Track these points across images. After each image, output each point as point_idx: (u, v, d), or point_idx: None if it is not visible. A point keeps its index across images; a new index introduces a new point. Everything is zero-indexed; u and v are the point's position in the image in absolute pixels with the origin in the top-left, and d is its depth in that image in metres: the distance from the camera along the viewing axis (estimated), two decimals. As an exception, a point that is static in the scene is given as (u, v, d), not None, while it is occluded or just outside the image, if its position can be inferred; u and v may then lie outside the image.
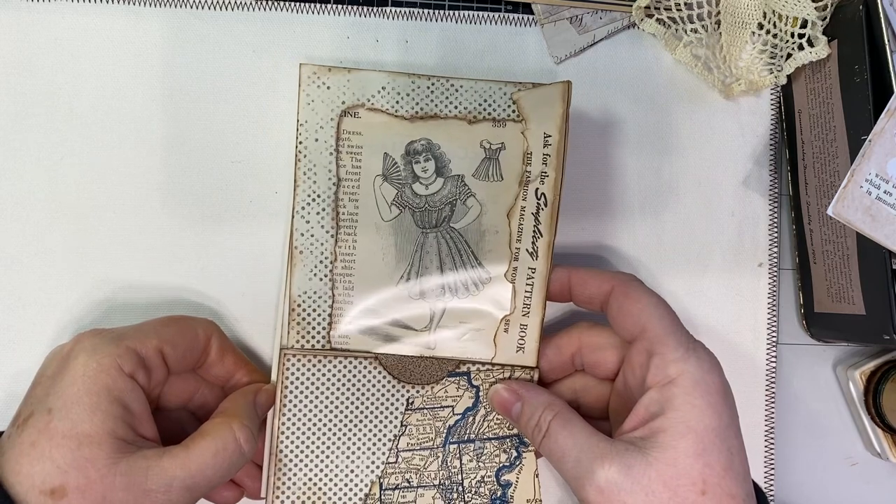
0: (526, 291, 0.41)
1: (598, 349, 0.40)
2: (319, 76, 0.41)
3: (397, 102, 0.41)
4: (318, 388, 0.41)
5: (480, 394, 0.42)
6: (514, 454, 0.42)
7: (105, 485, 0.33)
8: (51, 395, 0.35)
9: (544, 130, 0.41)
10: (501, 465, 0.42)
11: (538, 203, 0.41)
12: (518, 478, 0.42)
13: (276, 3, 0.45)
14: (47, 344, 0.44)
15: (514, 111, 0.41)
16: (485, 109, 0.41)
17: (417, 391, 0.42)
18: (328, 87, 0.41)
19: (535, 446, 0.40)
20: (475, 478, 0.42)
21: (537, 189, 0.41)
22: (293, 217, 0.41)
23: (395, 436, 0.42)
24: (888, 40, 0.39)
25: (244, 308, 0.45)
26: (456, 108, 0.42)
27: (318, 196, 0.41)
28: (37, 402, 0.35)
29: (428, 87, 0.42)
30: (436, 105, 0.42)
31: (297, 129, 0.41)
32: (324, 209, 0.41)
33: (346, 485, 0.41)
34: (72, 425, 0.34)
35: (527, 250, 0.41)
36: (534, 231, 0.41)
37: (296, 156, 0.41)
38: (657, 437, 0.35)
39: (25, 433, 0.34)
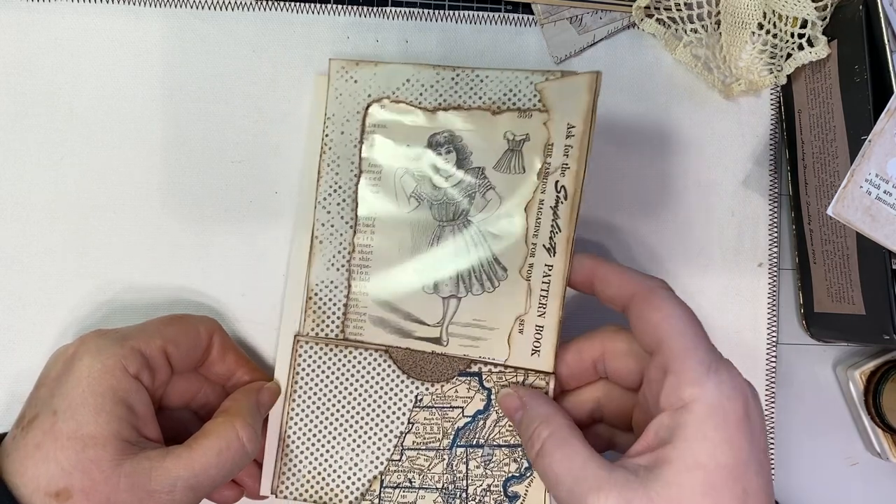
0: (542, 290, 0.39)
1: (621, 356, 0.37)
2: (348, 70, 0.42)
3: (421, 94, 0.41)
4: (328, 377, 0.41)
5: (492, 397, 0.40)
6: (525, 464, 0.40)
7: (109, 486, 0.33)
8: (56, 397, 0.35)
9: (568, 121, 0.40)
10: (510, 475, 0.40)
11: (557, 196, 0.39)
12: (527, 491, 0.40)
13: (275, 3, 0.45)
14: (48, 345, 0.44)
15: (539, 101, 0.40)
16: (509, 100, 0.41)
17: (427, 388, 0.41)
18: (355, 81, 0.42)
19: (531, 461, 0.36)
20: (481, 485, 0.40)
21: (557, 181, 0.40)
22: (315, 207, 0.41)
23: (401, 432, 0.41)
24: (888, 40, 0.39)
25: (244, 308, 0.45)
26: (480, 98, 0.41)
27: (340, 187, 0.42)
28: (41, 404, 0.35)
29: (452, 79, 0.41)
30: (459, 96, 0.41)
31: (325, 122, 0.42)
32: (344, 200, 0.41)
33: (348, 477, 0.41)
34: (77, 427, 0.34)
35: (544, 246, 0.40)
36: (552, 226, 0.39)
37: (321, 147, 0.42)
38: (662, 470, 0.31)
39: (30, 435, 0.34)
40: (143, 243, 0.44)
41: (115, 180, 0.44)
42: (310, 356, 0.41)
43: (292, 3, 0.45)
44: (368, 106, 0.41)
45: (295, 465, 0.41)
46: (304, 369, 0.41)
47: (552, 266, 0.39)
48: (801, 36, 0.44)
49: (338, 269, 0.41)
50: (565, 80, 0.40)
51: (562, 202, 0.39)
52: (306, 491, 0.41)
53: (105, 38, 0.44)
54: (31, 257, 0.44)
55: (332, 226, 0.41)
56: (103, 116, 0.44)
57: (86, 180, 0.44)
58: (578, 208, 0.39)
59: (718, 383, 0.32)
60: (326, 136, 0.42)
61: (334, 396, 0.41)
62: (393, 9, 0.46)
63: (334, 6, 0.45)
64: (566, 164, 0.40)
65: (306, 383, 0.41)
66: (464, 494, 0.40)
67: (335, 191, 0.42)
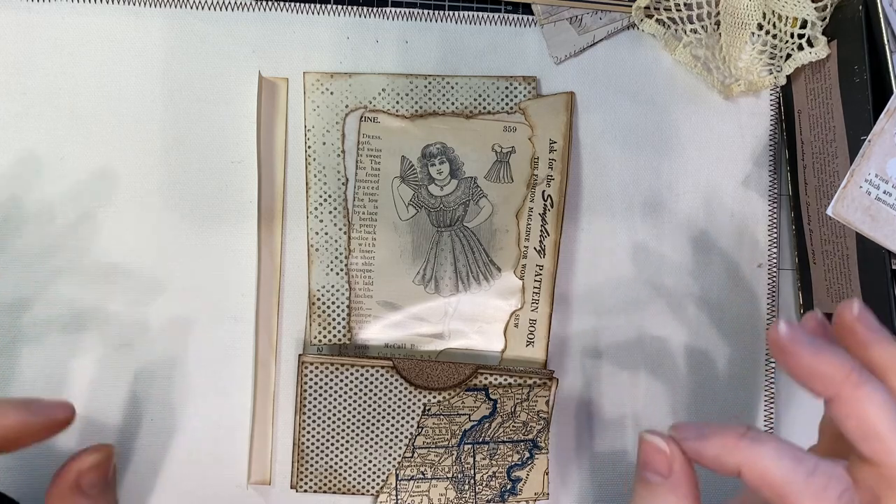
0: (534, 287, 0.44)
1: None
2: (323, 83, 0.44)
3: (397, 103, 0.44)
4: (335, 394, 0.43)
5: (498, 406, 0.43)
6: (527, 455, 0.44)
7: None
8: None
9: (550, 137, 0.44)
10: (513, 463, 0.44)
11: (545, 204, 0.44)
12: (528, 475, 0.44)
13: (276, 3, 0.45)
14: (48, 345, 0.44)
15: (507, 104, 0.44)
16: (480, 104, 0.44)
17: (434, 398, 0.43)
18: (332, 93, 0.44)
19: None
20: (487, 473, 0.44)
21: (544, 191, 0.44)
22: (308, 217, 0.43)
23: (411, 434, 0.43)
24: (888, 40, 0.39)
25: (244, 308, 0.44)
26: (452, 104, 0.44)
27: (329, 196, 0.44)
28: None
29: (425, 87, 0.44)
30: (434, 103, 0.44)
31: (305, 135, 0.44)
32: (335, 208, 0.44)
33: (364, 472, 0.43)
34: None
35: (535, 248, 0.44)
36: (541, 230, 0.44)
37: (305, 160, 0.44)
38: None
39: None
40: (143, 243, 0.44)
41: (115, 180, 0.44)
42: (315, 376, 0.43)
43: (292, 3, 0.45)
44: (362, 118, 0.44)
45: (312, 465, 0.43)
46: (311, 387, 0.43)
47: (542, 266, 0.44)
48: (800, 36, 0.44)
49: (337, 274, 0.44)
50: (544, 99, 0.44)
51: (549, 210, 0.44)
52: (325, 484, 0.43)
53: (105, 38, 0.44)
54: (31, 257, 0.44)
55: (327, 233, 0.44)
56: (103, 116, 0.44)
57: (86, 180, 0.44)
58: (563, 214, 0.44)
59: None
60: (308, 147, 0.44)
61: (344, 409, 0.43)
62: (393, 9, 0.46)
63: (334, 6, 0.45)
64: (551, 176, 0.44)
65: (314, 399, 0.43)
66: (471, 481, 0.44)
67: (325, 200, 0.44)
